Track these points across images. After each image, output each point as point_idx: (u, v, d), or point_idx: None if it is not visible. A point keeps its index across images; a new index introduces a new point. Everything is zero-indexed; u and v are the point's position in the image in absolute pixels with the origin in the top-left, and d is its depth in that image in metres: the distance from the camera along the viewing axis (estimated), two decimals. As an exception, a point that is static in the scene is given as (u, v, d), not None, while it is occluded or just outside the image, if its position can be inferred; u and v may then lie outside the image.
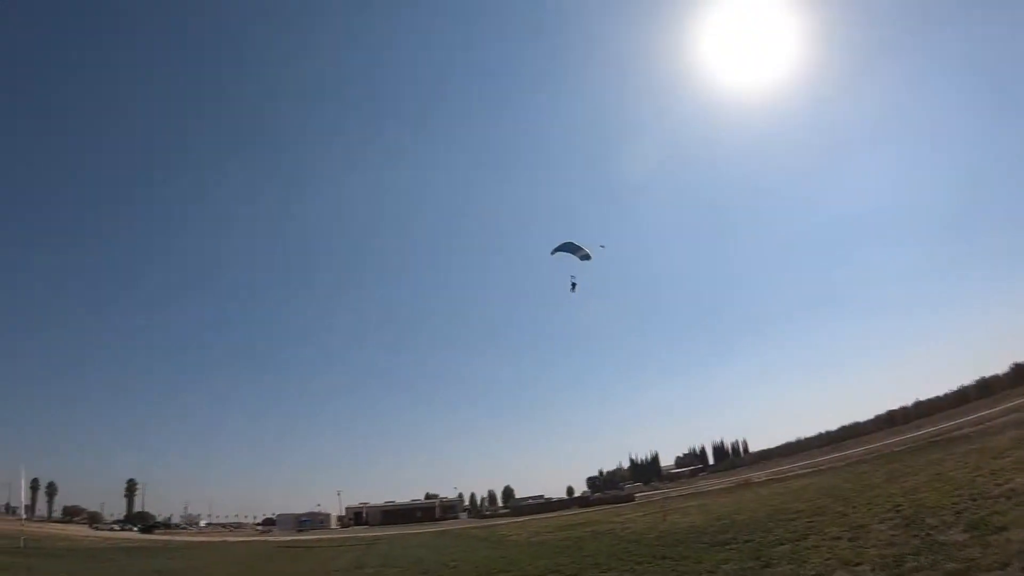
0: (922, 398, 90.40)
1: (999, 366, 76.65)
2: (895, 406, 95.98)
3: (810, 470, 44.33)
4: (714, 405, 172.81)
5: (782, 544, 10.83)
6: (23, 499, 30.27)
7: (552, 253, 29.78)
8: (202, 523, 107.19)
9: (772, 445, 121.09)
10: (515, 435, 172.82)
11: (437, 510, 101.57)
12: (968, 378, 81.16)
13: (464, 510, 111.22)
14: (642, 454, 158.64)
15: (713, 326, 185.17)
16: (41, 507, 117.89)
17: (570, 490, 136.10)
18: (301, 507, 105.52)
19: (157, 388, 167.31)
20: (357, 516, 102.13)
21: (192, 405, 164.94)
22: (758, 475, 65.06)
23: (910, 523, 10.13)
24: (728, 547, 11.88)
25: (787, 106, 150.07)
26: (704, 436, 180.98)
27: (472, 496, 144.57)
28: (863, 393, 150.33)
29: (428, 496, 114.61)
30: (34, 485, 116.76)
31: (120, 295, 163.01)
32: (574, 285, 29.93)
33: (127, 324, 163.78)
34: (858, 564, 7.84)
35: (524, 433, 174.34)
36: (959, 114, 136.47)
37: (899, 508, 12.13)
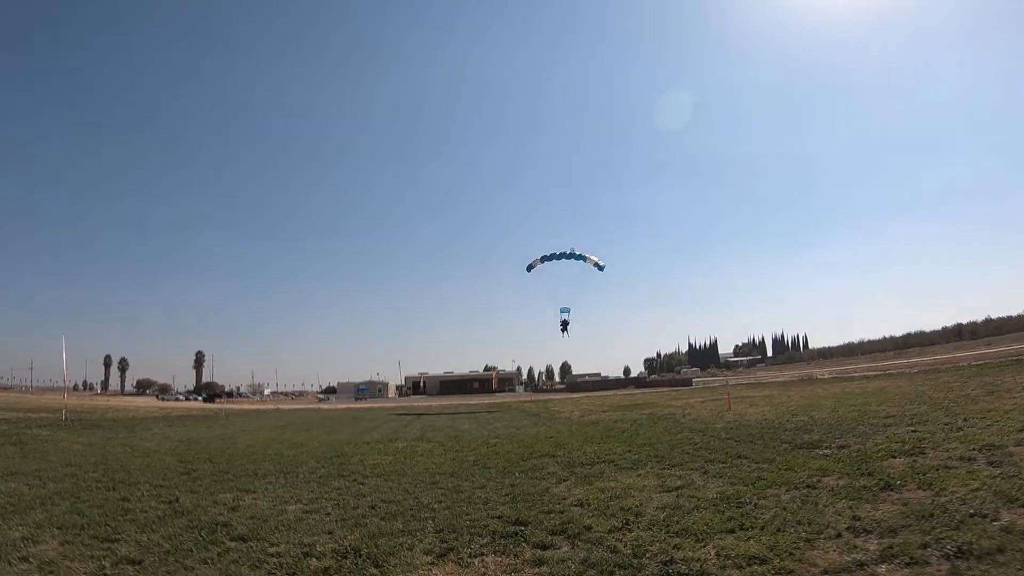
0: (993, 316, 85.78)
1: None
2: (964, 320, 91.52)
3: (879, 373, 41.83)
4: (777, 294, 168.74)
5: (894, 457, 8.94)
6: (65, 371, 30.79)
7: (541, 261, 26.43)
8: (266, 392, 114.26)
9: (832, 344, 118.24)
10: (576, 312, 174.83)
11: (494, 382, 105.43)
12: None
13: (521, 383, 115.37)
14: (701, 339, 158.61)
15: (786, 214, 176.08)
16: (115, 382, 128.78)
17: (627, 370, 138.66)
18: (364, 377, 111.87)
19: (228, 263, 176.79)
20: (415, 386, 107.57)
21: (262, 278, 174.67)
22: (821, 372, 63.25)
23: (1068, 449, 8.02)
24: (820, 452, 10.13)
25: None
26: (764, 326, 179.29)
27: (530, 370, 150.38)
28: (930, 303, 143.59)
29: (487, 368, 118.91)
30: (107, 361, 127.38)
31: (190, 175, 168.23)
32: (565, 325, 27.06)
33: (198, 204, 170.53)
34: (1032, 503, 5.82)
35: (584, 310, 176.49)
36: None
37: (1033, 429, 9.96)
